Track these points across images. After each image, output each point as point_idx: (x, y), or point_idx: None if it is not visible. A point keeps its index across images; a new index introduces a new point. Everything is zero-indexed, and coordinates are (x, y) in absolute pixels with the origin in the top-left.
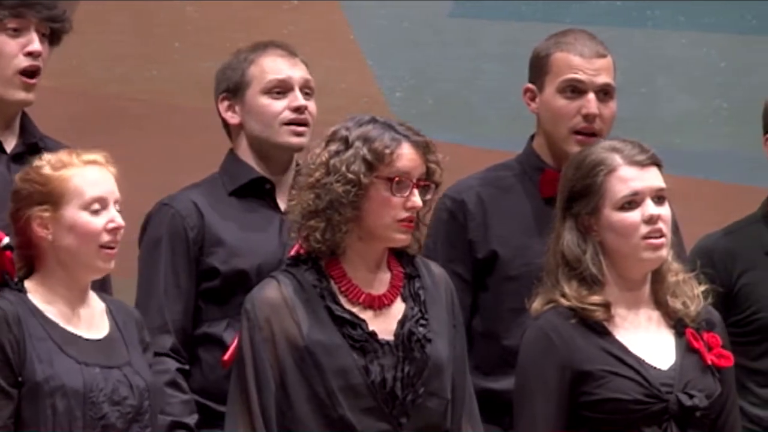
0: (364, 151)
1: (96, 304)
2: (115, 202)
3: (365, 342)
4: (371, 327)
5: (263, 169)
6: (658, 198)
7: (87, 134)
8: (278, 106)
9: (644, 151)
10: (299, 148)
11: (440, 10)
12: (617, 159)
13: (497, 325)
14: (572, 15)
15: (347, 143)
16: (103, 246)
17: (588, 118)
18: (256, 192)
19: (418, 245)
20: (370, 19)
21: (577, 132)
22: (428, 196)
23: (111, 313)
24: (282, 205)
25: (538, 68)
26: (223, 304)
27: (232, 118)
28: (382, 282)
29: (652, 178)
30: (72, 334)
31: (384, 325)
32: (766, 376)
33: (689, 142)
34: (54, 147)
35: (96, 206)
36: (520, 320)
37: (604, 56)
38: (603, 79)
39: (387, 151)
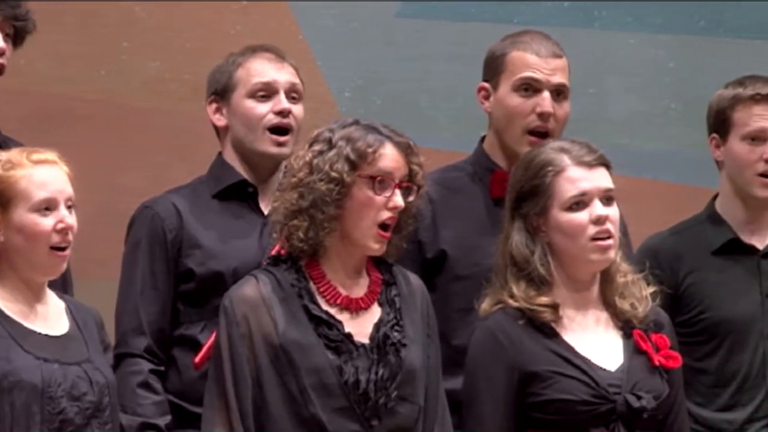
0: (348, 150)
1: (54, 302)
2: (67, 200)
3: (341, 342)
4: (347, 329)
5: (248, 172)
6: (607, 198)
7: (35, 134)
8: (262, 109)
9: (592, 152)
10: (280, 158)
11: (388, 11)
12: (565, 159)
13: (446, 324)
14: (520, 15)
15: (330, 144)
16: (53, 247)
17: (543, 116)
18: (239, 195)
19: (397, 252)
20: (319, 20)
21: (531, 131)
22: (410, 198)
23: (70, 311)
24: (265, 210)
25: (494, 67)
26: (199, 306)
27: (219, 121)
28: (360, 286)
29: (600, 179)
30: (31, 330)
31: (360, 327)
32: (712, 376)
33: (638, 142)
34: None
35: (45, 207)
36: (468, 320)
37: (560, 57)
38: (558, 79)
39: (370, 150)
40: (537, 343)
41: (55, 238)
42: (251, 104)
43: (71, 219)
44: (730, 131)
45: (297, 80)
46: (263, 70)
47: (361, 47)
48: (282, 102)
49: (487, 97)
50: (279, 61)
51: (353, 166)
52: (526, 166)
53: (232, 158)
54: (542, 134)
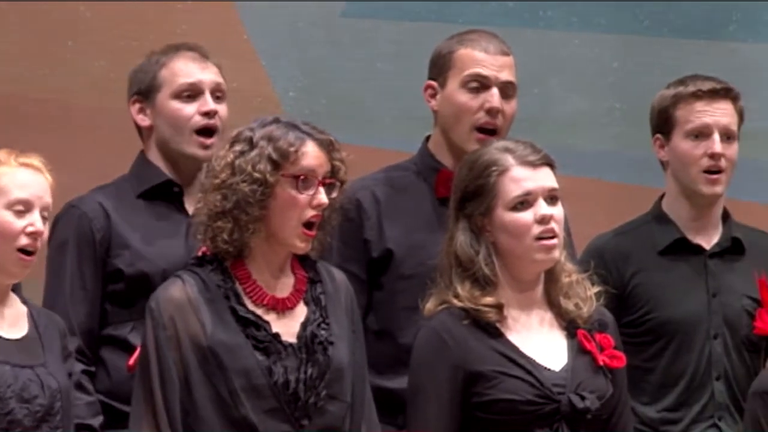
0: (269, 150)
1: (17, 306)
2: (44, 208)
3: (269, 343)
4: (275, 329)
5: (172, 172)
6: (551, 198)
7: None
8: (188, 110)
9: (536, 152)
10: (205, 160)
11: (333, 10)
12: (510, 159)
13: (391, 323)
14: (465, 15)
15: (252, 143)
16: (21, 249)
17: (491, 112)
18: (165, 195)
19: (321, 248)
20: (264, 19)
21: (479, 128)
22: (334, 194)
23: (32, 316)
24: (190, 209)
25: (441, 65)
26: (128, 306)
27: (143, 121)
28: (285, 285)
29: (544, 178)
30: None
31: (287, 327)
32: (658, 376)
33: (582, 142)
34: None
35: (19, 208)
36: (414, 319)
37: (507, 54)
38: (506, 76)
39: (292, 149)
40: (481, 343)
41: (24, 241)
42: (177, 105)
43: (41, 226)
44: (674, 129)
45: (221, 79)
46: (188, 70)
47: (306, 47)
48: (208, 103)
49: (433, 96)
50: (203, 61)
51: (276, 165)
52: (470, 166)
53: (156, 158)
54: (490, 131)
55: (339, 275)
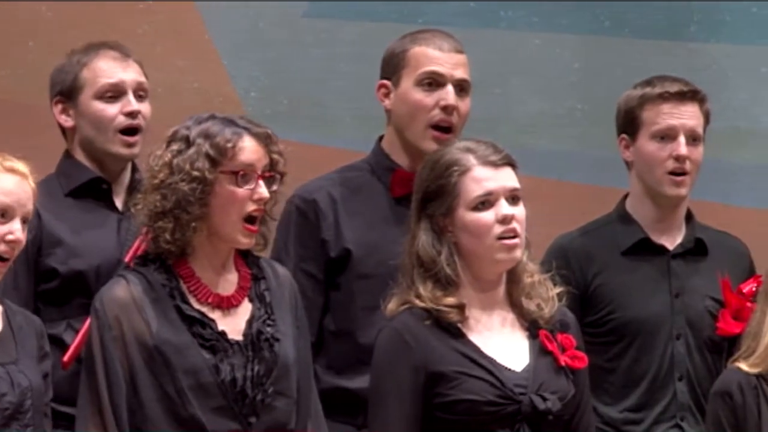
0: (206, 147)
1: None
2: (25, 216)
3: (215, 341)
4: (221, 327)
5: (98, 170)
6: (513, 198)
7: None
8: (111, 111)
9: (498, 152)
10: (131, 158)
11: (294, 11)
12: (471, 159)
13: (351, 323)
14: (426, 15)
15: (189, 142)
16: None
17: (447, 110)
18: (93, 193)
19: (265, 242)
20: (225, 19)
21: (435, 126)
22: (274, 187)
23: (6, 315)
24: (119, 206)
25: (394, 64)
26: (62, 304)
27: (66, 122)
28: (229, 282)
29: (505, 178)
30: None
31: (233, 325)
32: (621, 377)
33: (543, 142)
34: None
35: (0, 214)
36: (373, 318)
37: (461, 52)
38: (461, 74)
39: (229, 145)
40: (443, 343)
41: (1, 247)
42: (100, 106)
43: (21, 235)
44: (639, 130)
45: (143, 78)
46: (109, 70)
47: (268, 47)
48: (131, 103)
49: (387, 95)
50: (124, 60)
51: (214, 162)
52: (431, 166)
53: (82, 157)
54: (445, 129)
55: (282, 271)
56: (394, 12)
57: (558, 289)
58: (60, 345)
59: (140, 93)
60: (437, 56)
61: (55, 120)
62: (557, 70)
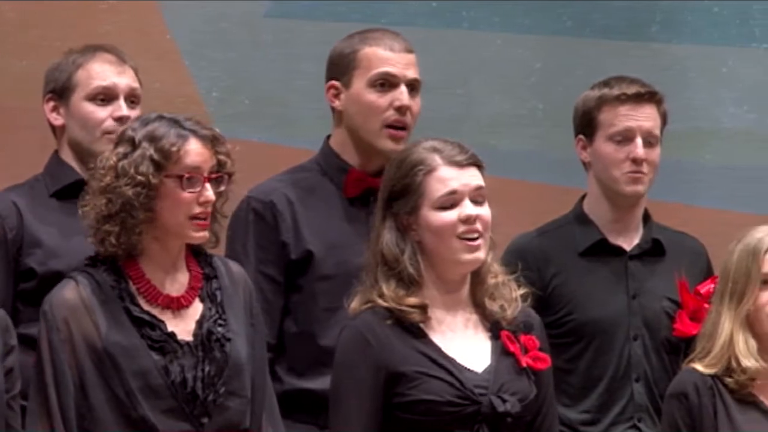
0: (151, 151)
1: None
2: None
3: (164, 342)
4: (170, 328)
5: (85, 172)
6: (477, 198)
7: None
8: (101, 114)
9: (464, 152)
10: None
11: (256, 11)
12: (437, 159)
13: (312, 325)
14: (388, 15)
15: (134, 144)
16: None
17: (401, 110)
18: (78, 194)
19: (216, 239)
20: (187, 19)
21: (389, 125)
22: (222, 188)
23: None
24: None
25: (344, 65)
26: (40, 305)
27: (56, 120)
28: (180, 283)
29: (470, 178)
30: None
31: (183, 325)
32: (579, 378)
33: (504, 143)
34: None
35: None
36: (335, 320)
37: (411, 52)
38: (413, 74)
39: (174, 149)
40: (404, 343)
41: None
42: (90, 108)
43: None
44: (597, 132)
45: (137, 84)
46: (104, 73)
47: (230, 47)
48: (122, 109)
49: (337, 95)
50: (120, 64)
51: (158, 166)
52: (398, 165)
53: (69, 157)
54: (400, 128)
55: (237, 269)
56: (356, 12)
57: (522, 291)
58: (35, 345)
59: (132, 99)
60: (389, 57)
61: (44, 118)
62: (519, 70)
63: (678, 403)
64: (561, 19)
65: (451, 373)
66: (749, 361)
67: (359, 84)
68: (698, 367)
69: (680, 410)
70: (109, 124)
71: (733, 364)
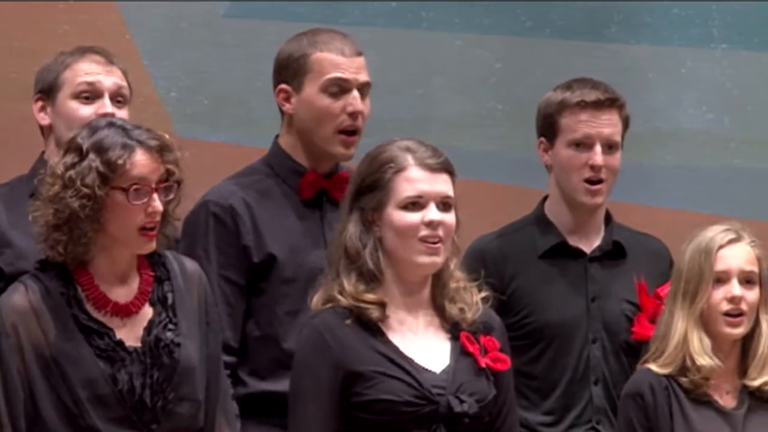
0: (97, 163)
1: None
2: None
3: (112, 351)
4: (119, 335)
5: None
6: (444, 205)
7: None
8: (85, 111)
9: (437, 156)
10: None
11: (216, 11)
12: (409, 159)
13: (274, 329)
14: (348, 16)
15: (82, 154)
16: None
17: (353, 115)
18: None
19: (167, 242)
20: (146, 19)
21: (342, 131)
22: (171, 196)
23: None
24: None
25: (294, 69)
26: None
27: (43, 120)
28: (130, 289)
29: (439, 184)
30: None
31: (131, 332)
32: (538, 381)
33: (465, 143)
34: None
35: None
36: (297, 323)
37: (361, 54)
38: (364, 77)
39: (120, 161)
40: (363, 342)
41: None
42: (75, 105)
43: None
44: (557, 136)
45: (124, 84)
46: (90, 72)
47: (189, 47)
48: (106, 106)
49: (287, 99)
50: (107, 64)
51: (105, 179)
52: (370, 161)
53: (53, 157)
54: (352, 132)
55: (191, 265)
56: (315, 12)
57: (483, 294)
58: None
59: (119, 98)
60: (341, 62)
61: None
62: (479, 70)
63: (633, 403)
64: (520, 19)
65: (409, 373)
66: (704, 360)
67: (311, 89)
68: (653, 367)
69: (636, 410)
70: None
71: (688, 363)
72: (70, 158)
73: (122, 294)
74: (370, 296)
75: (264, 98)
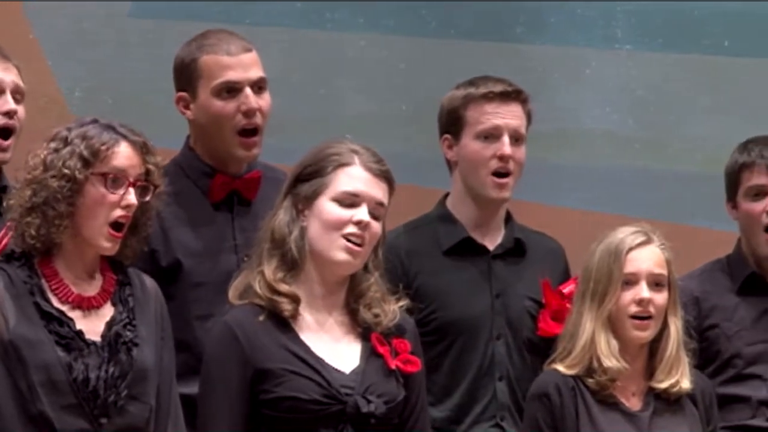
0: (81, 147)
1: None
2: None
3: (71, 340)
4: (79, 326)
5: None
6: (375, 212)
7: None
8: None
9: (381, 163)
10: (2, 162)
11: (120, 11)
12: (354, 158)
13: (186, 333)
14: (252, 16)
15: (66, 141)
16: None
17: (248, 114)
18: None
19: (134, 255)
20: (50, 19)
21: (240, 131)
22: (147, 197)
23: None
24: None
25: (187, 75)
26: None
27: None
28: (93, 284)
29: (378, 190)
30: None
31: (92, 326)
32: (443, 377)
33: (368, 143)
34: None
35: None
36: (208, 326)
37: (250, 50)
38: (256, 73)
39: (103, 147)
40: (273, 340)
41: None
42: None
43: None
44: (463, 130)
45: (20, 81)
46: None
47: (93, 47)
48: (8, 103)
49: (186, 106)
50: (5, 62)
51: (86, 163)
52: (316, 152)
53: None
54: (251, 131)
55: (150, 283)
56: (220, 12)
57: (400, 303)
58: None
59: (17, 96)
60: (228, 62)
61: None
62: (383, 71)
63: (539, 403)
64: (425, 20)
65: (318, 372)
66: (611, 362)
67: (204, 94)
68: (560, 367)
69: (542, 411)
70: None
71: (595, 364)
72: (54, 145)
73: (85, 288)
74: (284, 287)
75: (169, 98)
